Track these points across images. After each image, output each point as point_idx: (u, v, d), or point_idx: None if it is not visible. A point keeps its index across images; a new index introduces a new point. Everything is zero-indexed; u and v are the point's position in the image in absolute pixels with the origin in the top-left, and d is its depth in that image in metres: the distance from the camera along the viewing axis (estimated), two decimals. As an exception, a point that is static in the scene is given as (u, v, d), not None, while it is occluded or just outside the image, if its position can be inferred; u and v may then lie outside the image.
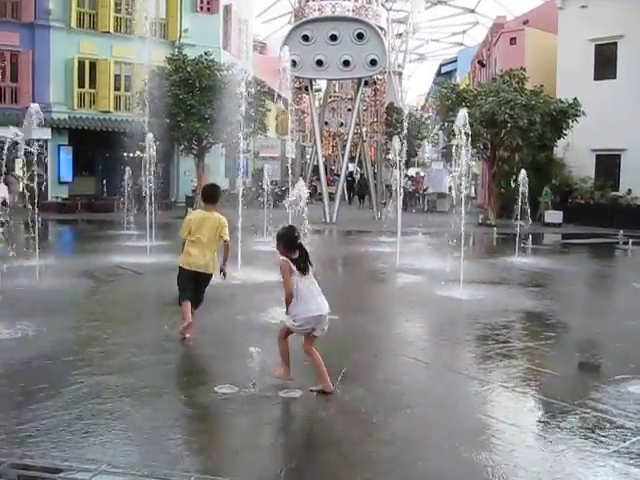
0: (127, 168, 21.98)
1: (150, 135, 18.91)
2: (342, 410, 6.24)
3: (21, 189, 13.22)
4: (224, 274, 8.61)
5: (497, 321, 10.12)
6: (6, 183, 9.16)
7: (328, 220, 28.06)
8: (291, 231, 6.75)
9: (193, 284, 8.48)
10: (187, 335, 8.36)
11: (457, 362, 8.13)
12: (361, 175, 43.16)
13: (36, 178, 12.97)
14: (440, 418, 6.19)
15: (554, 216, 29.74)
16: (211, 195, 8.75)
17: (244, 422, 5.87)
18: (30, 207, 12.32)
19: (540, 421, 6.07)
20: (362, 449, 5.43)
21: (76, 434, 5.41)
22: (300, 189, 9.55)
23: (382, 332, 9.93)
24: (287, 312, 6.72)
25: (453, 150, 13.86)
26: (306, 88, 32.29)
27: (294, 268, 6.53)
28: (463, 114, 13.10)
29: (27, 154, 12.50)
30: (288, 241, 6.62)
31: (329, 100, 46.36)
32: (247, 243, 15.20)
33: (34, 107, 12.74)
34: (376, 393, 6.88)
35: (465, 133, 12.79)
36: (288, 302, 6.61)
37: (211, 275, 8.66)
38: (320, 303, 6.60)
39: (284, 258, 6.57)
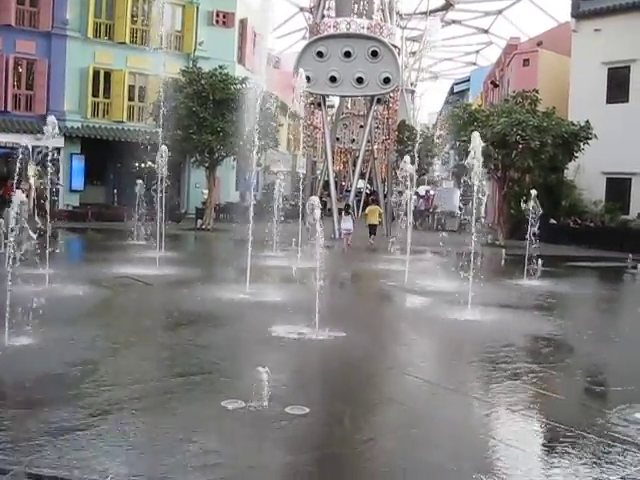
0: (138, 179, 22.05)
1: (163, 146, 18.99)
2: (345, 427, 6.26)
3: (33, 196, 13.29)
4: None
5: (504, 343, 10.11)
6: (22, 190, 9.19)
7: (337, 236, 28.07)
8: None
9: None
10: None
11: (463, 383, 8.13)
12: (373, 192, 43.07)
13: (50, 186, 13.09)
14: (444, 439, 6.19)
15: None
16: None
17: (251, 437, 5.90)
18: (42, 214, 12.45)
19: (546, 445, 6.07)
20: (363, 464, 5.45)
21: (84, 444, 5.45)
22: (314, 204, 9.58)
23: (388, 351, 9.95)
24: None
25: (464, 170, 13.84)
26: (319, 104, 32.39)
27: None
28: (478, 140, 12.94)
29: (40, 162, 12.62)
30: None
31: (341, 116, 46.43)
32: (257, 258, 15.25)
33: (52, 119, 12.85)
34: (380, 412, 6.90)
35: (478, 156, 12.75)
36: None
37: None
38: None
39: None
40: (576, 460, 5.61)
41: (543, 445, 6.10)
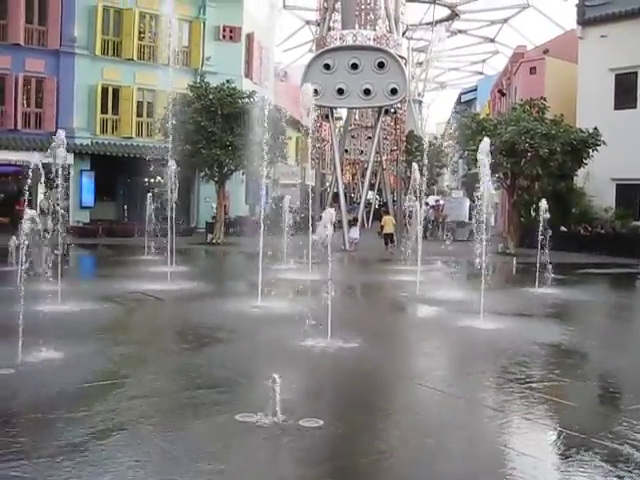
0: (148, 194, 22.12)
1: (172, 161, 19.07)
2: (359, 438, 6.24)
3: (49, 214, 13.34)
4: None
5: (517, 351, 10.06)
6: (40, 210, 9.25)
7: (348, 248, 28.10)
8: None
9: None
10: None
11: (477, 392, 8.09)
12: (384, 203, 43.06)
13: (60, 203, 13.12)
14: (460, 449, 6.16)
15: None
16: None
17: (265, 451, 5.89)
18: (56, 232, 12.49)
19: (561, 454, 6.03)
20: (378, 476, 5.43)
21: (97, 459, 5.44)
22: (328, 216, 9.56)
23: (401, 361, 9.93)
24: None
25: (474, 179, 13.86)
26: (327, 116, 32.46)
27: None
28: (486, 144, 12.96)
29: (51, 180, 12.66)
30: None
31: (349, 128, 46.47)
32: (268, 271, 15.25)
33: (61, 135, 12.88)
34: (395, 423, 6.87)
35: (488, 163, 12.76)
36: None
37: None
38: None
39: None
40: (593, 469, 5.57)
41: (559, 454, 6.06)
